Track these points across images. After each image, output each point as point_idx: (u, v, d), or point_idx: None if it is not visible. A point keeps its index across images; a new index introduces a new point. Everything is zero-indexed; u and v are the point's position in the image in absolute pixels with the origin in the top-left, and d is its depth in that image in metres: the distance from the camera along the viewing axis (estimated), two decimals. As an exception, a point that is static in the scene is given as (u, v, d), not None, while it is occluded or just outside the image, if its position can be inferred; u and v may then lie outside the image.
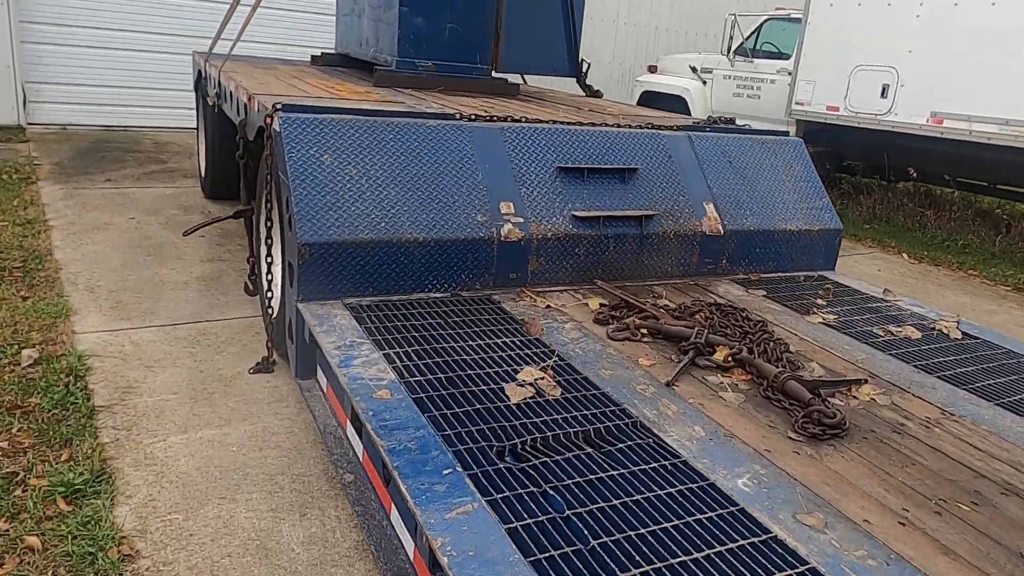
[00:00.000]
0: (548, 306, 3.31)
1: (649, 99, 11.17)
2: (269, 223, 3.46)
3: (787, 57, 10.01)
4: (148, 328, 4.03)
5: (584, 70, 6.30)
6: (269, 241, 3.49)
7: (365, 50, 5.97)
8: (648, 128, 4.12)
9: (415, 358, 2.66)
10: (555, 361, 2.71)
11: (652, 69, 11.83)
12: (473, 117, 3.71)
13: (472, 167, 3.47)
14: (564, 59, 6.14)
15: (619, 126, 4.03)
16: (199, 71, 6.71)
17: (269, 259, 3.51)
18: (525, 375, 2.60)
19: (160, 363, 3.64)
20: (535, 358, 2.75)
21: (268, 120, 3.31)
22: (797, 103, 9.34)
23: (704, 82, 10.95)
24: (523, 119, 3.82)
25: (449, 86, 5.38)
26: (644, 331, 3.07)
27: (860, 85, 8.66)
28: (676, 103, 10.96)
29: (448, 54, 5.44)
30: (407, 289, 3.24)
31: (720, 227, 3.92)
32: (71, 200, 6.35)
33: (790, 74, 9.66)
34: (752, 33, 10.37)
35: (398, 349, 2.71)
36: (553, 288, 3.54)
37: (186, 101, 10.25)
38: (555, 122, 3.87)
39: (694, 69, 11.03)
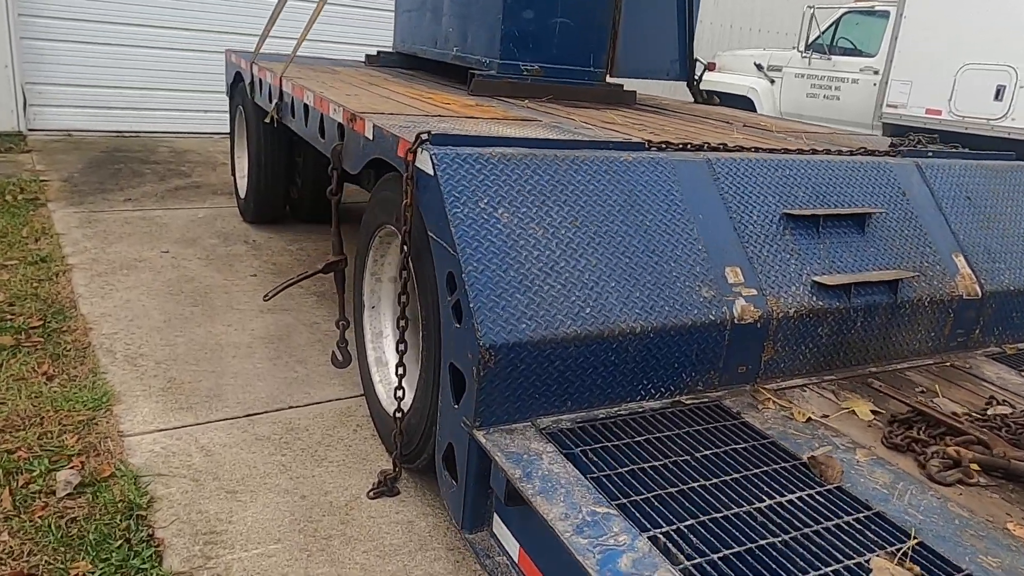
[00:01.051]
0: (808, 418, 2.35)
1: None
2: (403, 297, 2.48)
3: (868, 54, 9.08)
4: (217, 423, 3.05)
5: (700, 73, 5.35)
6: (403, 322, 2.51)
7: (444, 50, 4.98)
8: (865, 154, 3.17)
9: (692, 537, 1.71)
10: (913, 545, 1.76)
11: (711, 67, 10.86)
12: (663, 146, 2.75)
13: (684, 218, 2.51)
14: (677, 60, 5.17)
15: (836, 153, 3.08)
16: (237, 74, 5.70)
17: (402, 346, 2.53)
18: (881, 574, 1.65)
19: (246, 485, 2.67)
20: (862, 532, 1.80)
21: (410, 157, 2.33)
22: (889, 105, 8.41)
23: (772, 81, 10.00)
24: (725, 147, 2.86)
25: (558, 94, 4.41)
26: (976, 466, 2.12)
27: (969, 86, 7.73)
28: (740, 104, 10.02)
29: (557, 55, 4.46)
30: (614, 399, 2.28)
31: (977, 287, 2.97)
32: (89, 228, 5.35)
33: (876, 73, 8.73)
34: (829, 27, 9.42)
35: (666, 527, 1.74)
36: (790, 383, 2.59)
37: (205, 103, 9.25)
38: (771, 151, 2.91)
39: (759, 67, 10.07)
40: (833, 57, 9.30)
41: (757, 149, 2.91)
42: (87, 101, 8.71)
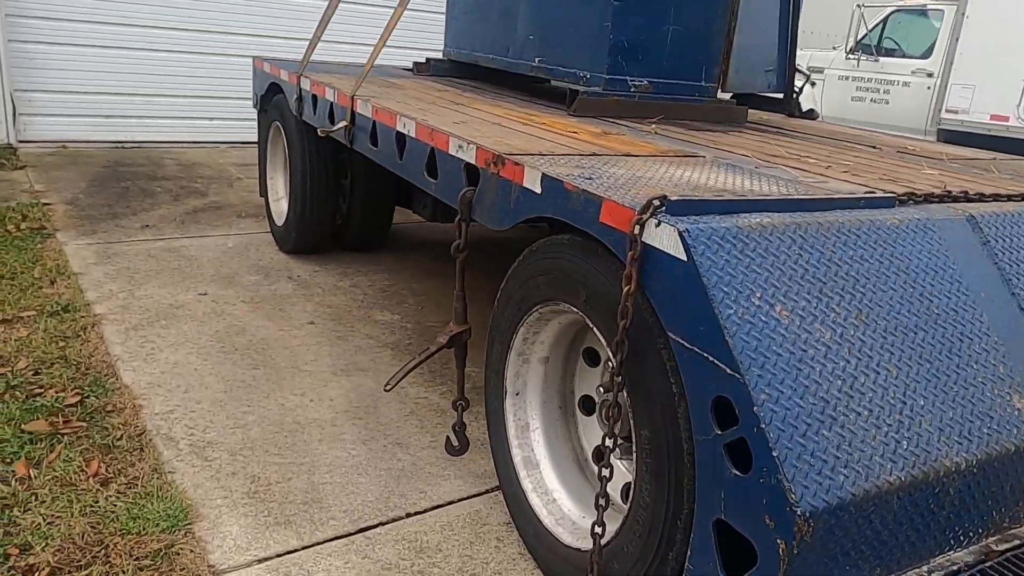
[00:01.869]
0: None
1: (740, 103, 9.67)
2: (613, 412, 1.88)
3: (911, 55, 8.62)
4: (328, 545, 2.43)
5: (802, 85, 4.80)
6: (611, 441, 1.91)
7: (520, 59, 4.36)
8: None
9: None
10: None
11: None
12: (913, 198, 2.17)
13: (966, 299, 1.94)
14: (776, 70, 4.62)
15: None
16: (272, 85, 5.03)
17: (606, 470, 1.93)
18: None
19: (390, 645, 2.06)
20: None
21: (635, 230, 1.73)
22: (948, 110, 7.95)
23: (812, 83, 9.49)
24: (982, 196, 2.29)
25: (668, 113, 3.83)
26: None
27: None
28: (775, 107, 9.50)
29: (668, 69, 3.87)
30: (923, 555, 1.70)
31: None
32: (109, 264, 4.66)
33: (931, 75, 8.27)
34: (876, 26, 8.94)
35: None
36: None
37: (211, 111, 8.55)
38: (1034, 201, 2.34)
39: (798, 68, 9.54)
40: (881, 58, 8.82)
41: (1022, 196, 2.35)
42: (82, 109, 7.95)
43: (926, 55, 8.45)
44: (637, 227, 1.74)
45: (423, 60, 5.47)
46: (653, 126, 3.39)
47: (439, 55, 5.51)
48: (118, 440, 2.86)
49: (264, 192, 5.56)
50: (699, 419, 1.65)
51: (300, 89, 4.38)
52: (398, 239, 5.52)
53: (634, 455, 1.92)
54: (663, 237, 1.70)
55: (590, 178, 2.08)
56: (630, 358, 1.82)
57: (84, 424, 2.94)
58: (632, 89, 3.77)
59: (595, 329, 2.03)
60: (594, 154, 2.53)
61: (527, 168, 2.21)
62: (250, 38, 8.52)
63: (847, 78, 9.11)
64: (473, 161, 2.50)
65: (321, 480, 2.75)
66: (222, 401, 3.22)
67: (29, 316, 3.82)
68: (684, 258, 1.64)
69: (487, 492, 2.79)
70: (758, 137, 3.58)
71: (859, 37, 8.88)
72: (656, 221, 1.71)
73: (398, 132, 3.09)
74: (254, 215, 6.04)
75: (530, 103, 4.09)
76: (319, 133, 3.69)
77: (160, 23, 8.15)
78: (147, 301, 4.17)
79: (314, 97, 4.15)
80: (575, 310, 2.10)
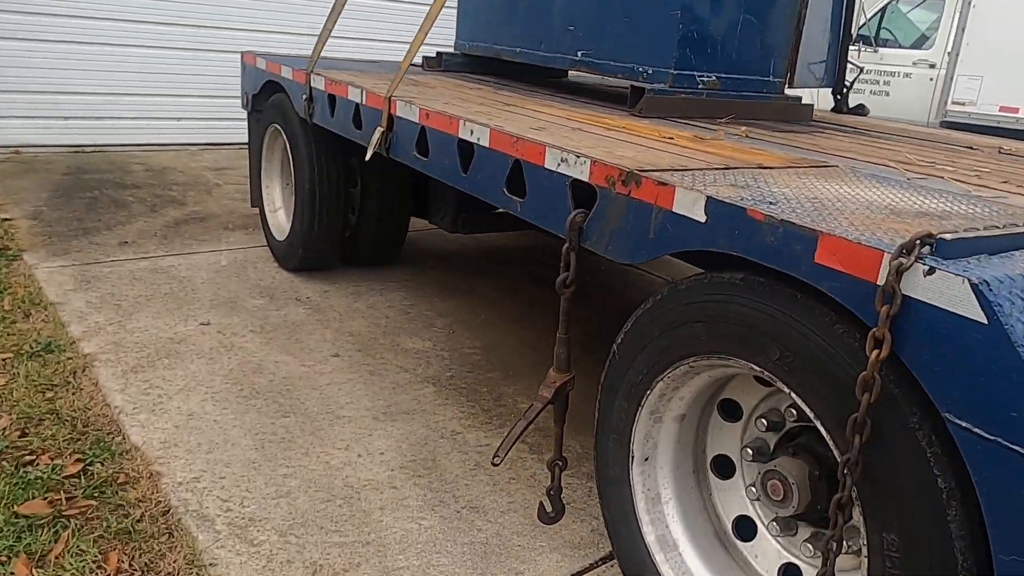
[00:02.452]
0: None
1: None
2: (842, 510, 1.46)
3: (910, 46, 8.43)
4: (426, 656, 1.97)
5: (854, 78, 4.46)
6: (838, 552, 1.49)
7: (557, 53, 3.91)
8: None
9: None
10: None
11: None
12: None
13: None
14: (827, 62, 4.27)
15: None
16: (269, 83, 4.49)
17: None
18: None
19: None
20: None
21: (893, 278, 1.31)
22: (955, 102, 7.76)
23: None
24: None
25: (738, 111, 3.44)
26: None
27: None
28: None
29: (736, 63, 3.47)
30: None
31: None
32: (91, 290, 4.08)
33: (933, 66, 8.07)
34: (875, 15, 8.71)
35: None
36: None
37: (180, 110, 7.90)
38: None
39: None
40: (880, 49, 8.60)
41: None
42: (36, 111, 7.22)
43: (927, 46, 8.27)
44: (893, 275, 1.32)
45: (434, 55, 4.97)
46: (744, 129, 2.98)
47: (437, 48, 5.03)
48: (138, 523, 2.34)
49: (258, 202, 5.00)
50: (1005, 533, 1.24)
51: (310, 88, 3.86)
52: (407, 251, 5.02)
53: (866, 562, 1.50)
54: (940, 290, 1.28)
55: (773, 202, 1.66)
56: (867, 443, 1.40)
57: (92, 502, 2.41)
58: (700, 86, 3.37)
59: (795, 397, 1.61)
60: (727, 167, 2.10)
61: (679, 189, 1.77)
62: (221, 31, 7.88)
63: (845, 70, 8.87)
64: (585, 178, 2.06)
65: (396, 564, 2.28)
66: (255, 462, 2.71)
67: (4, 360, 3.24)
68: (981, 319, 1.23)
69: (593, 568, 2.36)
70: (847, 138, 3.20)
71: (857, 27, 8.65)
72: (926, 268, 1.30)
73: (462, 141, 2.61)
74: (243, 226, 5.47)
75: (578, 102, 3.65)
76: (369, 150, 3.16)
77: (121, 15, 7.44)
78: (142, 335, 3.61)
79: (331, 98, 3.64)
80: (757, 368, 1.68)
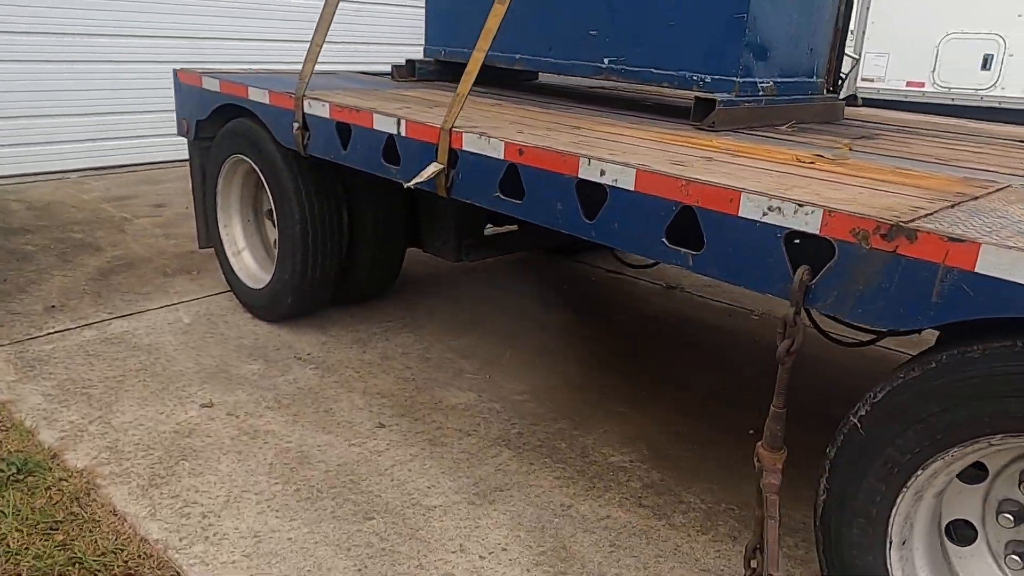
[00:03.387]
0: None
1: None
2: None
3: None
4: None
5: (849, 70, 4.41)
6: None
7: (575, 61, 3.56)
8: None
9: None
10: None
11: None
12: None
13: None
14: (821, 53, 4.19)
15: None
16: (224, 107, 3.83)
17: None
18: None
19: None
20: None
21: None
22: (864, 79, 8.07)
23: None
24: None
25: (788, 116, 3.26)
26: None
27: (953, 56, 7.53)
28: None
29: (788, 67, 3.28)
30: None
31: None
32: (41, 378, 3.31)
33: (837, 45, 8.37)
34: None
35: None
36: None
37: (51, 132, 6.80)
38: None
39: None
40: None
41: None
42: None
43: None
44: None
45: (403, 63, 4.46)
46: (846, 142, 2.78)
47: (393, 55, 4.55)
48: None
49: (214, 243, 4.31)
50: None
51: (304, 116, 3.29)
52: (413, 282, 4.52)
53: None
54: None
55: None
56: None
57: None
58: (760, 93, 3.14)
59: None
60: (954, 203, 1.87)
61: (986, 247, 1.51)
62: (100, 40, 6.85)
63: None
64: (814, 231, 1.75)
65: None
66: (370, 592, 2.23)
67: (-25, 494, 2.52)
68: None
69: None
70: (924, 141, 3.09)
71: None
72: None
73: (585, 182, 2.23)
74: (183, 270, 4.73)
75: (619, 115, 3.32)
76: (407, 185, 2.67)
77: (-32, 25, 6.29)
78: (139, 433, 2.95)
79: (343, 128, 3.10)
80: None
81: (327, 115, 3.17)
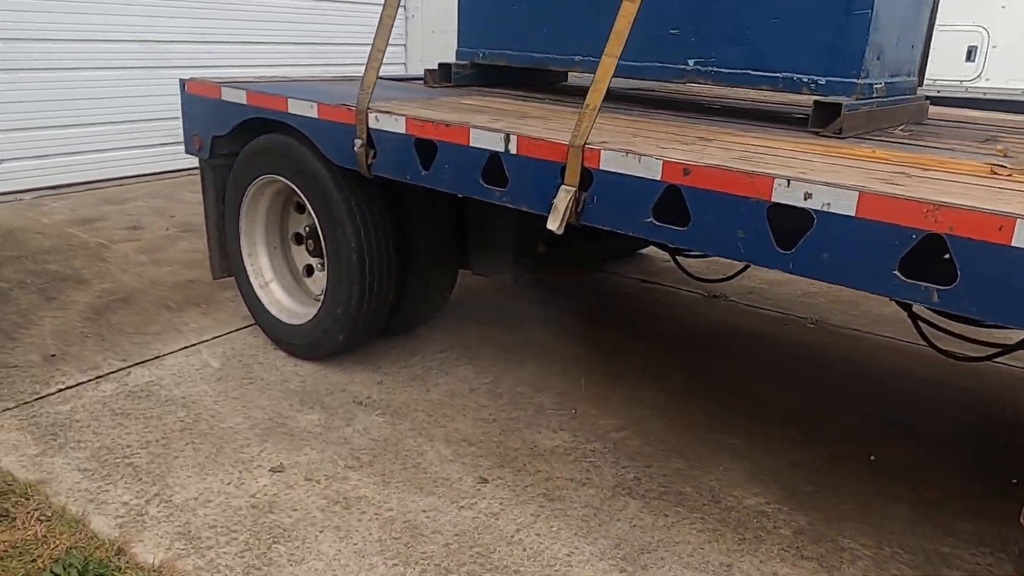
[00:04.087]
0: None
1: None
2: None
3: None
4: None
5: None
6: None
7: (648, 63, 3.27)
8: None
9: None
10: None
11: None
12: None
13: None
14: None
15: None
16: (253, 122, 3.38)
17: None
18: None
19: None
20: None
21: None
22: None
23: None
24: None
25: (894, 119, 3.06)
26: None
27: (938, 48, 7.58)
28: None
29: (894, 66, 3.07)
30: None
31: None
32: (69, 448, 2.81)
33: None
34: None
35: None
36: None
37: (12, 148, 6.10)
38: None
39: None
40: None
41: None
42: None
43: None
44: None
45: (434, 67, 4.08)
46: (1001, 148, 2.57)
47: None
48: None
49: (235, 274, 3.83)
50: None
51: (369, 131, 2.88)
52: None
53: None
54: None
55: None
56: None
57: None
58: (874, 95, 2.92)
59: None
60: None
61: None
62: (48, 45, 6.17)
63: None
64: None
65: None
66: None
67: (37, 611, 2.06)
68: None
69: None
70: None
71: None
72: None
73: (782, 207, 1.93)
74: (189, 302, 4.23)
75: (718, 122, 3.05)
76: (555, 220, 2.30)
77: None
78: (211, 512, 2.50)
79: (425, 145, 2.71)
80: None
81: (402, 130, 2.78)
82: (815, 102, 2.81)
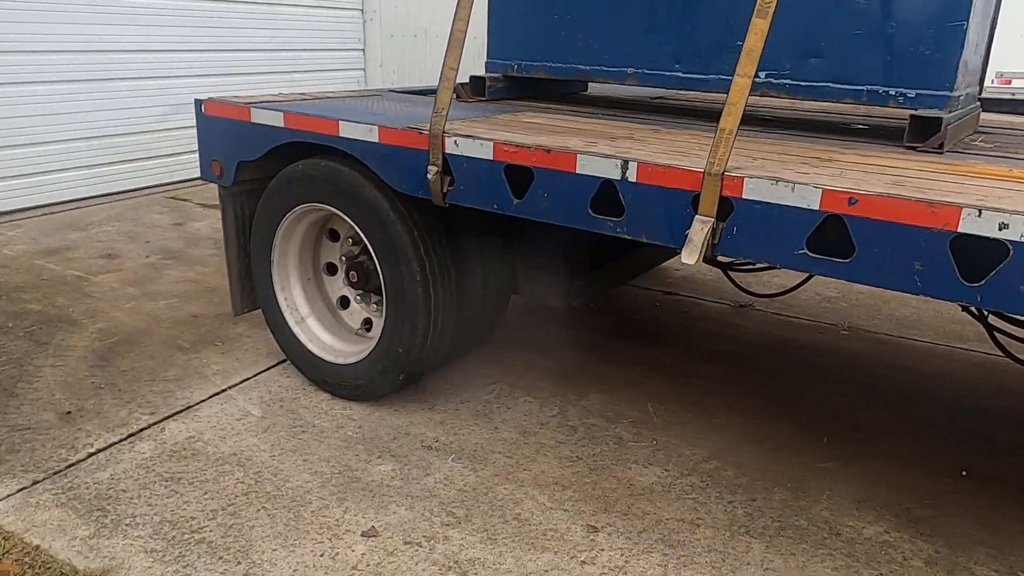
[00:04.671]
0: None
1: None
2: None
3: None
4: None
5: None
6: None
7: (719, 75, 3.15)
8: None
9: None
10: None
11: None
12: None
13: None
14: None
15: None
16: (294, 147, 3.10)
17: None
18: None
19: None
20: None
21: None
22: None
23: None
24: None
25: (965, 130, 3.03)
26: None
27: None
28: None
29: (971, 76, 3.03)
30: None
31: None
32: (125, 526, 2.49)
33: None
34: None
35: None
36: None
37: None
38: None
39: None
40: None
41: None
42: None
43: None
44: None
45: (467, 80, 3.85)
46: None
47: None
48: None
49: (266, 311, 3.52)
50: None
51: (444, 157, 2.65)
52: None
53: None
54: None
55: None
56: None
57: None
58: (958, 107, 2.87)
59: None
60: None
61: None
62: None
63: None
64: None
65: None
66: None
67: None
68: None
69: None
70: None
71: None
72: None
73: (970, 238, 1.82)
74: (204, 341, 3.89)
75: (807, 138, 2.95)
76: (691, 254, 2.12)
77: None
78: (315, 590, 2.24)
79: (518, 172, 2.50)
80: None
81: (489, 156, 2.56)
82: (912, 116, 2.73)
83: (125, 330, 4.00)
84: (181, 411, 3.22)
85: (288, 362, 3.57)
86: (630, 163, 2.29)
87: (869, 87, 2.86)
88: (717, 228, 2.18)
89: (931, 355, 4.11)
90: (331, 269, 3.54)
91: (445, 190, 2.71)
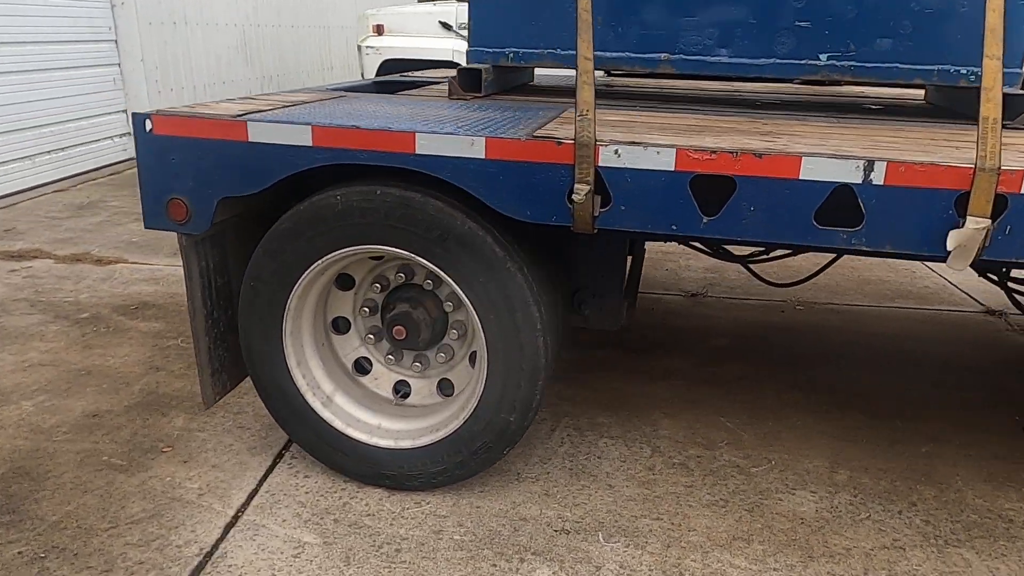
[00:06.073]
0: None
1: (394, 69, 8.41)
2: None
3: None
4: None
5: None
6: None
7: (774, 60, 2.93)
8: None
9: None
10: None
11: (379, 29, 8.84)
12: None
13: None
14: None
15: None
16: (343, 169, 2.27)
17: None
18: None
19: None
20: None
21: None
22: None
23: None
24: None
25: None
26: None
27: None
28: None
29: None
30: None
31: None
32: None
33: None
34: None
35: None
36: None
37: None
38: None
39: (447, 25, 8.70)
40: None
41: None
42: None
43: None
44: None
45: (457, 71, 3.17)
46: None
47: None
48: None
49: (267, 395, 2.59)
50: None
51: (598, 172, 2.09)
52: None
53: None
54: None
55: None
56: None
57: None
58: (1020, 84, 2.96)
59: None
60: None
61: None
62: None
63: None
64: None
65: None
66: None
67: None
68: None
69: None
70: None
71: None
72: None
73: None
74: (144, 449, 2.84)
75: (882, 122, 2.83)
76: (958, 269, 1.81)
77: None
78: None
79: (713, 183, 2.03)
80: None
81: (669, 167, 2.06)
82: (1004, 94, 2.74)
83: (1, 456, 2.73)
84: (202, 565, 2.23)
85: (291, 452, 2.69)
86: (876, 163, 1.96)
87: (940, 67, 2.83)
88: (988, 231, 1.95)
89: (899, 318, 4.36)
90: (338, 326, 2.72)
91: (596, 213, 2.14)
